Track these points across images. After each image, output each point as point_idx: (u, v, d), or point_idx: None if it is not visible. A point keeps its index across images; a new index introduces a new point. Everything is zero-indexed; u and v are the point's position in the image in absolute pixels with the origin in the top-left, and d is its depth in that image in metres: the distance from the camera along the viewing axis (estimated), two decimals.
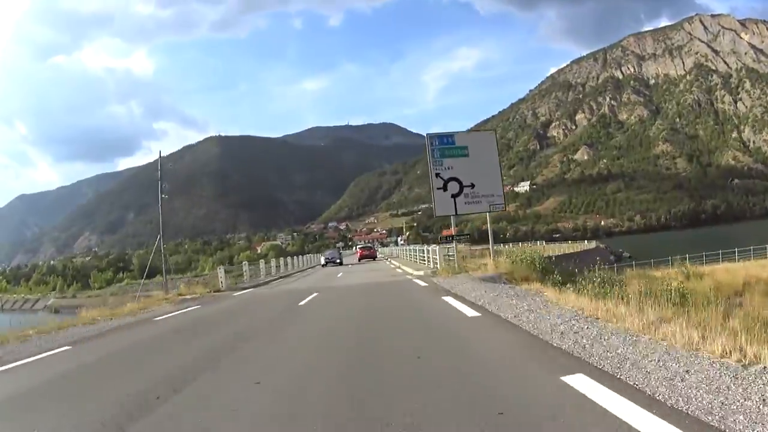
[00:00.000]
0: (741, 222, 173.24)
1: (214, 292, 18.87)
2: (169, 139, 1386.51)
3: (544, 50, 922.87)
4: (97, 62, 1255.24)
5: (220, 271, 20.40)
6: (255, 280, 25.07)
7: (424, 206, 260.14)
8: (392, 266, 29.51)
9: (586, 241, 70.49)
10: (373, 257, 49.65)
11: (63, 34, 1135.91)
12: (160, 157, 26.34)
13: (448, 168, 17.73)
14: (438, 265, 18.81)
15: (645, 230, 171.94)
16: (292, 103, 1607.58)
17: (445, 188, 17.62)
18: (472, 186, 17.79)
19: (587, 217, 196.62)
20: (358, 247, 76.18)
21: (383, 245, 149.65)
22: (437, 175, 17.68)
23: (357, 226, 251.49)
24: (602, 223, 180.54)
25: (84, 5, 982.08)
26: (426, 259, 23.20)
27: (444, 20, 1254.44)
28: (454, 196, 17.63)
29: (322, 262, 39.70)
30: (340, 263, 39.37)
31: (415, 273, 19.65)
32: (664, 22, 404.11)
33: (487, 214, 19.26)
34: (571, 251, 50.63)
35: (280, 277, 28.22)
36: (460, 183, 17.68)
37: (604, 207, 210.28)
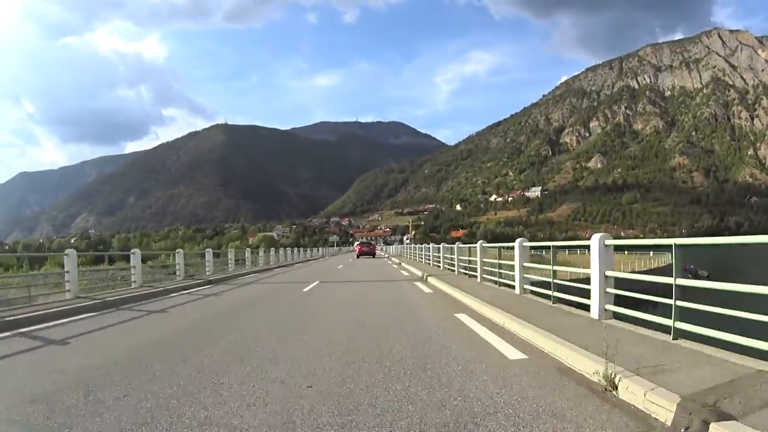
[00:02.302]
0: None
1: None
2: (178, 126, 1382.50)
3: (557, 59, 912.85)
4: (108, 45, 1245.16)
5: None
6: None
7: (430, 206, 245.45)
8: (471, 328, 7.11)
9: (651, 253, 53.22)
10: (373, 254, 46.72)
11: (74, 15, 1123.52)
12: None
13: None
14: None
15: None
16: (302, 98, 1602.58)
17: None
18: None
19: (608, 227, 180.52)
20: (356, 243, 65.48)
21: (387, 243, 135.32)
22: None
23: (360, 223, 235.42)
24: (622, 234, 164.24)
25: None
26: None
27: (459, 23, 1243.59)
28: None
29: None
30: None
31: None
32: (679, 37, 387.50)
33: None
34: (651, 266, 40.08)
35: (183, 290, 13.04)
36: None
37: (620, 217, 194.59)
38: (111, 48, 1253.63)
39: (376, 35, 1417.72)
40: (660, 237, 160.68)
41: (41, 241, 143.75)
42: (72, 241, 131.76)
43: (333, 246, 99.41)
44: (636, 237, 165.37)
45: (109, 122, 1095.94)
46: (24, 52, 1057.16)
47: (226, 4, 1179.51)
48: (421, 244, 53.38)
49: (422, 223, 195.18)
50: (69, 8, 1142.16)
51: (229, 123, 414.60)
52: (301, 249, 50.05)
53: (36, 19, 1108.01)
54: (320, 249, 65.30)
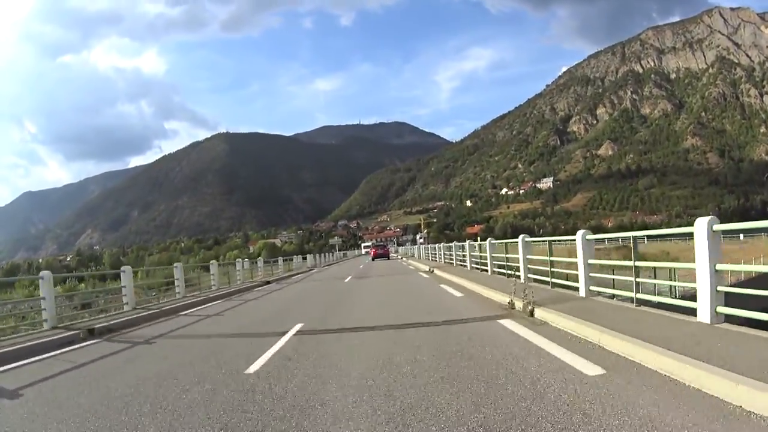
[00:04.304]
0: None
1: None
2: (180, 138, 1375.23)
3: (557, 49, 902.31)
4: (107, 61, 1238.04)
5: None
6: None
7: (439, 203, 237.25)
8: None
9: (741, 235, 44.63)
10: (387, 256, 46.72)
11: (71, 33, 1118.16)
12: None
13: None
14: None
15: None
16: (303, 103, 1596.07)
17: None
18: None
19: (633, 214, 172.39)
20: (364, 245, 65.88)
21: (398, 244, 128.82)
22: None
23: (368, 224, 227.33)
24: (646, 220, 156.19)
25: (92, 3, 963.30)
26: None
27: (456, 20, 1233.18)
28: None
29: None
30: None
31: None
32: (678, 19, 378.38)
33: None
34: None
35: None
36: None
37: (639, 203, 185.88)
38: (110, 64, 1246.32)
39: (374, 37, 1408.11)
40: (688, 221, 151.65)
41: (40, 260, 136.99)
42: (68, 259, 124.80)
43: (336, 250, 72.39)
44: (662, 222, 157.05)
45: (111, 138, 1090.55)
46: (23, 72, 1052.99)
47: (222, 13, 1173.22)
48: (437, 243, 46.87)
49: (434, 220, 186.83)
50: (65, 27, 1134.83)
51: (231, 131, 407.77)
52: (266, 260, 29.65)
53: (33, 40, 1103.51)
54: (308, 257, 44.68)
